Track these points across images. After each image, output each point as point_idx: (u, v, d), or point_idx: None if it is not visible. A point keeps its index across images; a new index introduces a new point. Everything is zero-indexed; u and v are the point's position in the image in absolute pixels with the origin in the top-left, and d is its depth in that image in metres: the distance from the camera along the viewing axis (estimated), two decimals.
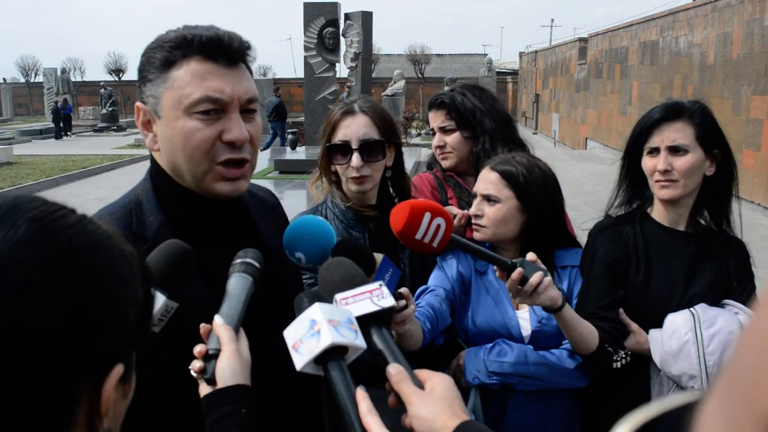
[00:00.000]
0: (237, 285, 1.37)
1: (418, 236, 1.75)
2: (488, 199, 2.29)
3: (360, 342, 1.20)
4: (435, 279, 2.37)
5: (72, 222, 0.75)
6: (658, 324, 2.17)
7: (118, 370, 0.75)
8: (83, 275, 0.72)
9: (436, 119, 2.88)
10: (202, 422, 1.21)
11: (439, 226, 1.76)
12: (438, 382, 1.19)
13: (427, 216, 1.75)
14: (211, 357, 1.24)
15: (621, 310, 2.22)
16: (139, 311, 0.81)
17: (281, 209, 1.93)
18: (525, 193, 2.26)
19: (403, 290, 1.76)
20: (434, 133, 2.92)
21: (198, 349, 1.25)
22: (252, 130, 1.52)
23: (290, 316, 1.65)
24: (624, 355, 2.19)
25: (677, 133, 2.18)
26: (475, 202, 2.34)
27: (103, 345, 0.73)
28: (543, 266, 1.91)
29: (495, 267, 1.92)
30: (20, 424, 0.68)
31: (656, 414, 0.49)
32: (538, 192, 2.27)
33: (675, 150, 2.18)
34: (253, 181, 1.65)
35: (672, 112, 2.22)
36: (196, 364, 1.24)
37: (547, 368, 2.21)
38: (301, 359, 1.17)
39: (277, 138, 21.98)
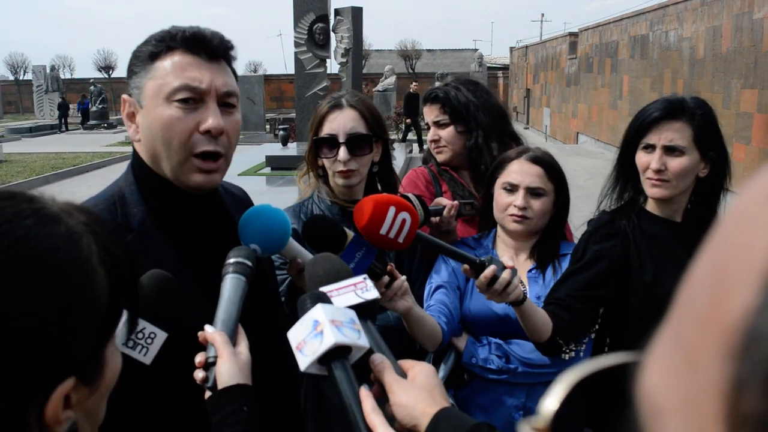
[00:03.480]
0: (231, 287, 1.40)
1: (383, 231, 1.71)
2: (534, 192, 2.33)
3: (363, 342, 1.21)
4: (439, 273, 2.40)
5: (10, 242, 0.73)
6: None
7: (65, 385, 0.75)
8: (13, 303, 0.70)
9: (431, 113, 2.89)
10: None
11: (404, 221, 1.72)
12: (419, 371, 1.22)
13: (392, 210, 1.71)
14: (210, 365, 1.28)
15: None
16: (98, 320, 0.80)
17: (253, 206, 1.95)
18: (562, 184, 2.37)
19: (390, 265, 1.78)
20: (429, 128, 2.93)
21: (198, 359, 1.30)
22: (229, 124, 1.58)
23: (266, 310, 1.66)
24: (574, 348, 2.20)
25: (675, 133, 2.15)
26: (520, 194, 2.35)
27: (40, 368, 0.73)
28: (511, 263, 1.90)
29: (463, 265, 1.89)
30: None
31: (593, 371, 0.50)
32: (565, 184, 2.38)
33: (671, 150, 2.15)
34: (245, 177, 1.69)
35: (673, 110, 2.18)
36: (198, 375, 1.28)
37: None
38: (305, 360, 1.18)
39: None
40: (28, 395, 0.72)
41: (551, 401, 0.51)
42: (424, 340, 2.01)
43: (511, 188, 2.36)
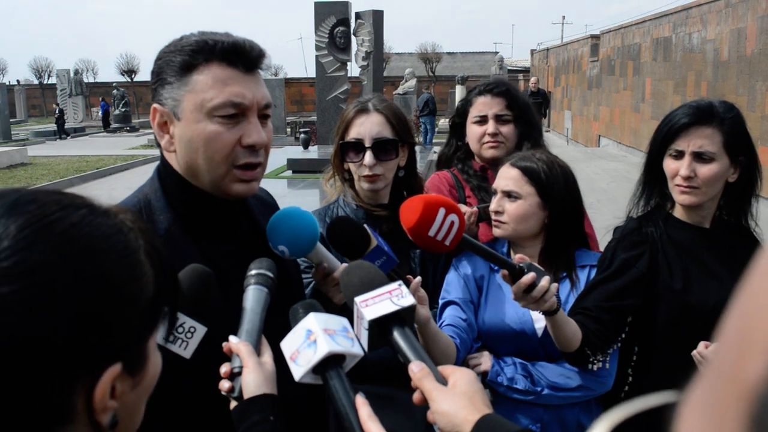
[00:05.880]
0: (254, 298, 1.41)
1: (432, 233, 1.66)
2: (509, 195, 2.27)
3: (357, 349, 1.22)
4: (452, 286, 2.34)
5: (65, 226, 0.76)
6: (699, 327, 2.08)
7: (114, 370, 0.77)
8: (68, 283, 0.73)
9: (494, 106, 2.76)
10: None
11: (452, 223, 1.68)
12: (460, 377, 1.20)
13: (442, 212, 1.66)
14: (236, 375, 1.29)
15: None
16: (144, 310, 0.82)
17: (278, 208, 1.95)
18: (546, 189, 2.24)
19: (409, 277, 1.77)
20: (481, 120, 2.77)
21: (223, 369, 1.30)
22: (266, 134, 1.58)
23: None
24: (601, 359, 2.16)
25: (705, 139, 2.10)
26: (496, 198, 2.31)
27: (91, 349, 0.74)
28: (544, 271, 1.86)
29: (501, 270, 1.86)
30: (16, 420, 0.71)
31: (636, 412, 0.50)
32: (558, 188, 2.25)
33: (700, 156, 2.10)
34: (266, 180, 1.69)
35: (702, 116, 2.12)
36: (224, 385, 1.29)
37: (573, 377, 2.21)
38: (299, 370, 1.19)
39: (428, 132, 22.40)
40: (76, 375, 0.74)
41: None
42: (439, 357, 1.94)
43: (495, 193, 2.34)
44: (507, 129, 2.73)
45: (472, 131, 2.79)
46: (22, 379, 0.69)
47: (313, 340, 1.18)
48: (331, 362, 1.18)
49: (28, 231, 0.73)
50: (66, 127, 32.89)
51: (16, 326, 0.69)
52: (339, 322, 1.24)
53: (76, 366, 0.73)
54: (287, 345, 1.22)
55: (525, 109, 2.77)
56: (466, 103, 2.85)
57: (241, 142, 1.53)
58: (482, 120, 2.76)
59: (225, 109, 1.50)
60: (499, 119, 2.74)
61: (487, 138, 2.74)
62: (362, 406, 1.14)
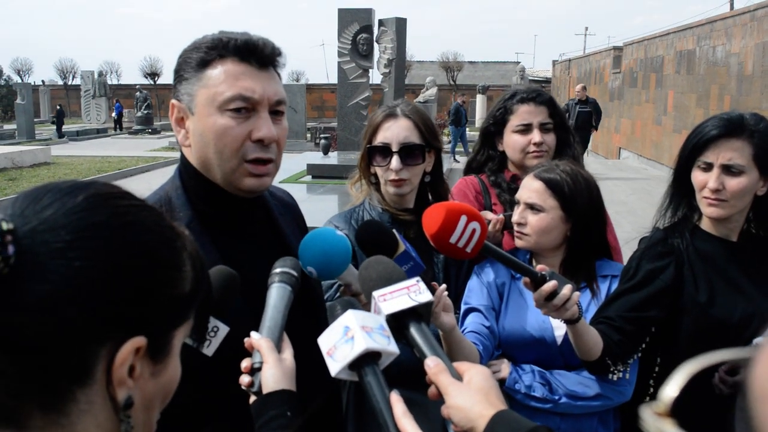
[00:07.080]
0: (277, 295, 1.43)
1: (453, 240, 1.69)
2: (532, 207, 2.26)
3: (393, 347, 1.23)
4: (474, 292, 2.34)
5: (126, 204, 0.84)
6: (723, 341, 2.07)
7: (137, 340, 0.79)
8: (117, 246, 0.79)
9: (538, 114, 2.70)
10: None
11: (474, 230, 1.70)
12: (475, 373, 1.21)
13: (463, 219, 1.69)
14: (256, 370, 1.31)
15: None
16: (178, 299, 0.85)
17: (299, 209, 1.99)
18: (569, 203, 2.22)
19: (434, 284, 1.77)
20: (525, 129, 2.70)
21: (244, 364, 1.32)
22: (279, 131, 1.61)
23: (311, 315, 1.68)
24: (622, 368, 2.15)
25: (734, 152, 2.07)
26: (519, 209, 2.30)
27: (123, 311, 0.78)
28: (569, 280, 1.87)
29: (524, 278, 1.87)
30: (38, 367, 0.74)
31: (712, 364, 0.53)
32: (582, 201, 2.24)
33: (729, 169, 2.07)
34: (285, 185, 1.71)
35: (732, 128, 2.08)
36: (244, 379, 1.31)
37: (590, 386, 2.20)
38: (335, 365, 1.20)
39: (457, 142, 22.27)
40: (104, 333, 0.77)
41: (672, 388, 0.53)
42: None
43: (518, 203, 2.32)
44: (550, 138, 2.69)
45: (514, 140, 2.72)
46: (55, 321, 0.73)
47: (351, 336, 1.19)
48: (367, 359, 1.19)
49: (93, 200, 0.81)
50: (89, 128, 33.03)
51: (62, 271, 0.74)
52: (376, 320, 1.25)
53: (105, 323, 0.77)
54: (325, 340, 1.24)
55: (563, 116, 2.77)
56: (505, 112, 2.77)
57: (251, 137, 1.55)
58: (526, 129, 2.69)
59: (235, 103, 1.52)
60: (543, 128, 2.69)
61: (532, 147, 2.67)
62: (396, 403, 1.15)
